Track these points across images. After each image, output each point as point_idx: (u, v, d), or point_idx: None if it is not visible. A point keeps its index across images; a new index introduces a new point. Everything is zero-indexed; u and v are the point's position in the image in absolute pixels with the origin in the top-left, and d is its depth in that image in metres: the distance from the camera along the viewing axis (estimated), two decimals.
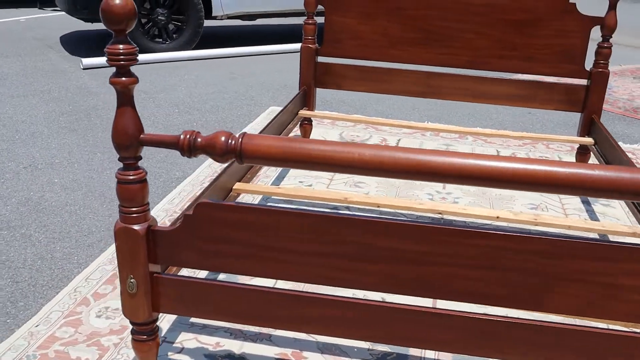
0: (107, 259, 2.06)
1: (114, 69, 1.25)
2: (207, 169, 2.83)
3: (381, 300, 1.44)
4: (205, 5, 5.23)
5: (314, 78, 2.95)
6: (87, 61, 4.74)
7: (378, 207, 1.96)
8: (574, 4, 2.68)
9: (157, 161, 2.93)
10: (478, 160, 1.15)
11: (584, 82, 2.78)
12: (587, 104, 2.76)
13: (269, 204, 2.51)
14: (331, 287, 1.70)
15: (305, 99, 2.97)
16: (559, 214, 2.54)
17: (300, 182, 2.74)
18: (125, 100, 1.26)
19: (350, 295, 1.39)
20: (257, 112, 3.80)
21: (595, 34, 2.91)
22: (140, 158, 1.31)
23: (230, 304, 1.37)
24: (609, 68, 2.74)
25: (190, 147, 1.24)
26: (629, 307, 1.21)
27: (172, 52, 5.10)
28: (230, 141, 1.22)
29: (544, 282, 1.22)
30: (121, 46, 1.22)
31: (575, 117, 3.89)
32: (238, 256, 1.32)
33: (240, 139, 1.22)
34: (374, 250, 1.26)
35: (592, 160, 3.08)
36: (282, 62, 5.26)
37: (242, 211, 1.29)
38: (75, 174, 2.75)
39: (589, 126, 2.78)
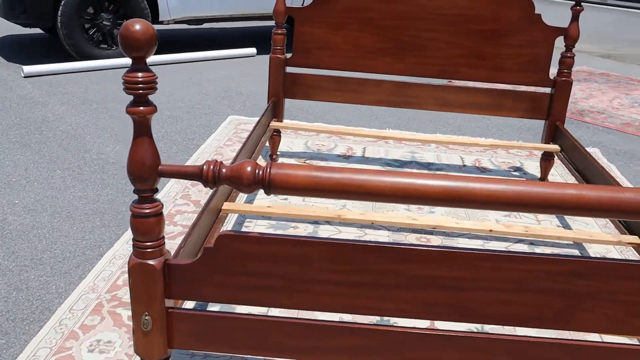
0: (89, 287, 1.95)
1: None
2: (177, 185, 2.74)
3: (410, 326, 1.42)
4: (152, 10, 5.08)
5: (283, 88, 2.91)
6: (29, 69, 4.50)
7: (372, 223, 1.94)
8: (539, 15, 2.74)
9: (121, 177, 2.82)
10: (512, 186, 1.15)
11: (548, 90, 2.85)
12: (552, 111, 2.84)
13: (247, 219, 2.45)
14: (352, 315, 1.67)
15: (275, 110, 2.93)
16: (531, 221, 2.59)
17: (275, 196, 2.69)
18: (143, 130, 1.19)
19: (375, 322, 1.36)
20: (217, 121, 3.72)
21: (559, 43, 2.99)
22: (157, 190, 1.24)
23: (251, 337, 1.32)
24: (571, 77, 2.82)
25: (214, 179, 1.19)
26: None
27: (119, 58, 4.93)
28: (257, 172, 1.17)
29: (573, 301, 1.24)
30: (140, 74, 1.15)
31: (530, 122, 4.00)
32: (262, 288, 1.27)
33: (268, 170, 1.17)
34: (401, 278, 1.24)
35: (557, 166, 3.18)
36: (234, 67, 5.18)
37: (265, 242, 1.24)
38: (37, 194, 2.61)
39: (554, 133, 2.86)
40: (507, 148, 3.09)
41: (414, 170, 3.08)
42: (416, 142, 3.48)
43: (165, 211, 2.48)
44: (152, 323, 1.30)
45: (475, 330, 1.31)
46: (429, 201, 1.16)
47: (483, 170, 3.15)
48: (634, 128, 4.12)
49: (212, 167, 1.19)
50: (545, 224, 2.57)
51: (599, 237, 1.94)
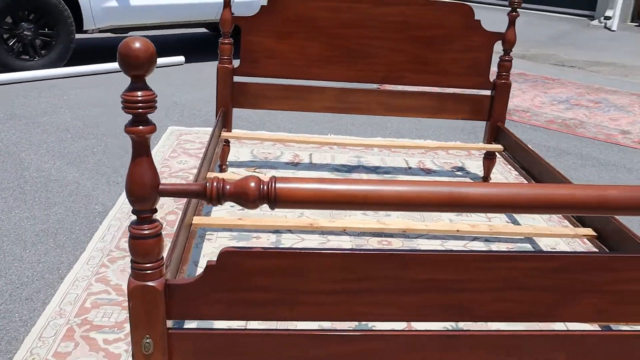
0: (56, 312, 1.87)
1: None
2: None
3: (413, 330, 1.46)
4: (76, 19, 4.89)
5: (231, 98, 2.89)
6: None
7: (344, 230, 1.97)
8: (479, 21, 2.87)
9: (67, 194, 2.71)
10: (500, 189, 1.21)
11: (488, 92, 2.98)
12: (493, 112, 2.97)
13: (207, 232, 2.43)
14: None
15: (224, 120, 2.91)
16: (482, 219, 2.70)
17: (231, 206, 2.67)
18: (142, 150, 1.17)
19: (381, 328, 1.39)
20: (157, 133, 3.63)
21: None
22: (156, 210, 1.22)
23: (254, 351, 1.32)
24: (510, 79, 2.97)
25: (218, 196, 1.18)
26: (636, 309, 1.33)
27: (44, 70, 4.72)
28: (262, 187, 1.18)
29: (561, 295, 1.31)
30: (139, 93, 1.12)
31: (462, 123, 4.15)
32: (267, 302, 1.27)
33: (273, 185, 1.18)
34: (404, 282, 1.28)
35: (499, 164, 3.31)
36: (163, 77, 5.08)
37: (269, 256, 1.24)
38: None
39: (495, 133, 2.99)
40: (453, 149, 3.20)
41: (363, 175, 3.14)
42: (360, 147, 3.54)
43: (122, 228, 2.41)
44: (153, 346, 1.27)
45: (473, 329, 1.36)
46: (432, 207, 1.20)
47: (428, 171, 3.25)
48: (558, 125, 4.36)
49: (215, 184, 1.18)
50: (495, 221, 2.68)
51: (558, 231, 2.06)
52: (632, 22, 10.00)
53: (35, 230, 2.39)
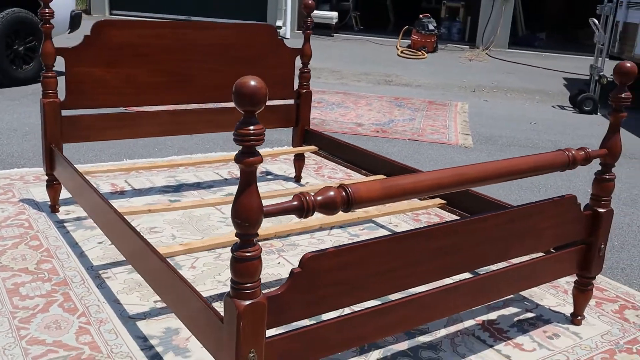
0: None
1: None
2: None
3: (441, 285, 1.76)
4: None
5: (61, 133, 2.74)
6: None
7: (275, 235, 2.17)
8: (282, 40, 3.24)
9: None
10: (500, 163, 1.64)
11: (291, 101, 3.38)
12: (299, 118, 3.38)
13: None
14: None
15: (52, 158, 2.74)
16: None
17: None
18: (251, 179, 1.28)
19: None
20: None
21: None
22: (257, 235, 1.33)
23: (347, 336, 1.51)
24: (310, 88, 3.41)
25: (313, 208, 1.35)
26: (543, 239, 1.89)
27: None
28: (343, 194, 1.39)
29: (510, 239, 1.80)
30: (252, 127, 1.25)
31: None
32: (351, 291, 1.48)
33: (349, 190, 1.40)
34: (427, 252, 1.61)
35: (310, 161, 3.71)
36: None
37: (342, 253, 1.46)
38: None
39: (303, 136, 3.41)
40: (271, 156, 3.50)
41: (194, 192, 3.26)
42: (165, 167, 3.59)
43: None
44: (258, 357, 1.37)
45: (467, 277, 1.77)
46: (458, 186, 1.56)
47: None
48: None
49: (307, 198, 1.35)
50: None
51: (419, 205, 2.57)
52: (298, 30, 11.41)
53: None
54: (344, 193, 1.39)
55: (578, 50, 10.96)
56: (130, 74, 2.85)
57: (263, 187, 3.23)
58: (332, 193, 1.39)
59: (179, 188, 3.30)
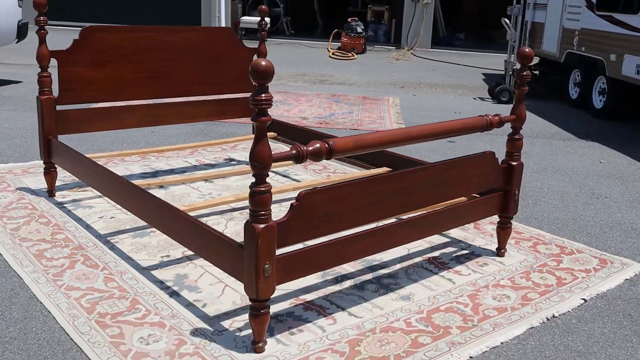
0: None
1: None
2: None
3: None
4: None
5: (56, 126, 3.12)
6: None
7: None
8: (241, 40, 3.71)
9: None
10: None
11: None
12: None
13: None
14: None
15: (50, 148, 3.12)
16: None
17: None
18: (263, 133, 1.77)
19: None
20: None
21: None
22: (268, 175, 1.81)
23: (332, 256, 2.02)
24: None
25: (305, 155, 1.84)
26: (472, 185, 2.46)
27: None
28: (326, 146, 1.89)
29: (446, 184, 2.35)
30: (263, 95, 1.73)
31: (199, 125, 4.88)
32: (334, 221, 1.98)
33: (331, 143, 1.90)
34: (393, 192, 2.14)
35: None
36: None
37: (328, 190, 1.96)
38: None
39: None
40: (237, 142, 3.93)
41: (168, 176, 3.67)
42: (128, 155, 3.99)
43: None
44: (270, 269, 1.85)
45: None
46: (407, 141, 2.09)
47: (210, 166, 3.95)
48: None
49: (301, 148, 1.84)
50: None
51: (369, 173, 3.09)
52: None
53: None
54: (326, 145, 1.89)
55: (493, 48, 11.87)
56: (114, 72, 3.25)
57: (229, 170, 3.66)
58: (318, 145, 1.88)
59: (155, 174, 3.71)
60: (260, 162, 1.77)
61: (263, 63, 1.71)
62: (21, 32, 6.61)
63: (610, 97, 6.12)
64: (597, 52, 6.22)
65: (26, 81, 6.85)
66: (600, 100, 6.34)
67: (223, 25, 11.16)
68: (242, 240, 1.89)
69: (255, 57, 3.79)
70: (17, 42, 6.70)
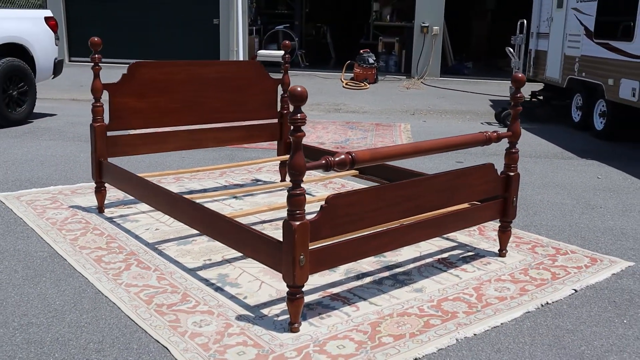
0: None
1: None
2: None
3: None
4: None
5: (107, 150, 3.54)
6: None
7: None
8: (267, 72, 4.14)
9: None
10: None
11: (275, 120, 4.25)
12: (283, 134, 4.26)
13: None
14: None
15: (101, 169, 3.53)
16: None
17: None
18: (299, 146, 2.15)
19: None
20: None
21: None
22: (303, 181, 2.19)
23: (354, 251, 2.38)
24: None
25: (334, 165, 2.23)
26: (475, 192, 2.82)
27: None
28: (350, 157, 2.27)
29: (453, 190, 2.71)
30: (299, 115, 2.12)
31: (216, 151, 5.29)
32: (356, 221, 2.36)
33: (353, 154, 2.28)
34: (403, 198, 2.51)
35: None
36: None
37: (351, 194, 2.34)
38: None
39: (286, 148, 4.28)
40: (253, 165, 4.34)
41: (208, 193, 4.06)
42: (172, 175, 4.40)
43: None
44: (305, 259, 2.23)
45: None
46: (417, 153, 2.47)
47: (238, 185, 4.34)
48: None
49: (329, 159, 2.22)
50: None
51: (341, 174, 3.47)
52: None
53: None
54: (350, 156, 2.27)
55: (499, 75, 12.30)
56: (154, 102, 3.67)
57: (255, 189, 4.05)
58: (343, 156, 2.27)
59: (190, 193, 4.11)
60: (296, 170, 2.15)
61: (299, 89, 2.11)
62: (57, 68, 7.12)
63: (610, 118, 6.48)
64: (596, 77, 6.60)
65: (60, 114, 7.34)
66: (601, 122, 6.70)
67: (241, 59, 11.70)
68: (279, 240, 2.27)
69: (279, 87, 4.21)
70: (53, 78, 7.20)
